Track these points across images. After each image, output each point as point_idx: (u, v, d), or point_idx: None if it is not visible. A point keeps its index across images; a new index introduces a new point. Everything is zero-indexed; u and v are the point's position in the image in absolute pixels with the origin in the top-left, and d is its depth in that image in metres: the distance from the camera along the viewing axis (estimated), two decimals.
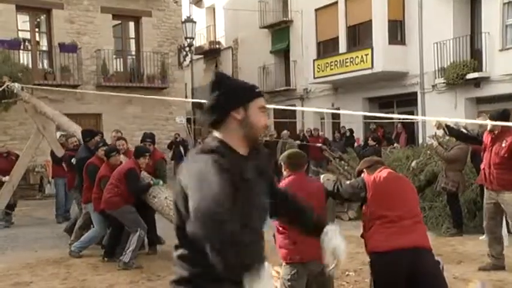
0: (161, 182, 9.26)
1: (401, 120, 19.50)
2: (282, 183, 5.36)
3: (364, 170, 5.55)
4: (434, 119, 9.20)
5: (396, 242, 4.83)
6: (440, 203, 11.68)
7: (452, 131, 8.15)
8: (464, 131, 9.00)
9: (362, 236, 5.37)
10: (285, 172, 5.48)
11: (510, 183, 7.32)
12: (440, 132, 9.98)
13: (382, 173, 5.37)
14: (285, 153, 5.73)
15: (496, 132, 7.44)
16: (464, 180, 10.98)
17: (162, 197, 8.86)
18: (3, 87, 15.25)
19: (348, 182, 5.59)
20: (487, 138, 7.64)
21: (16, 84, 14.99)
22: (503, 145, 7.30)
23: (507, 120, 7.41)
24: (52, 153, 13.39)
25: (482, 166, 7.78)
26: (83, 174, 9.79)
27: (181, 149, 21.62)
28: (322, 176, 6.28)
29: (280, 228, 5.20)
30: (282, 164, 5.55)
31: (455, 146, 10.74)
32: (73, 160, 10.98)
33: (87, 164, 9.60)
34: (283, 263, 5.26)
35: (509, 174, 7.31)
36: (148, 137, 10.28)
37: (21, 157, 12.84)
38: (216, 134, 2.75)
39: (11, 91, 15.86)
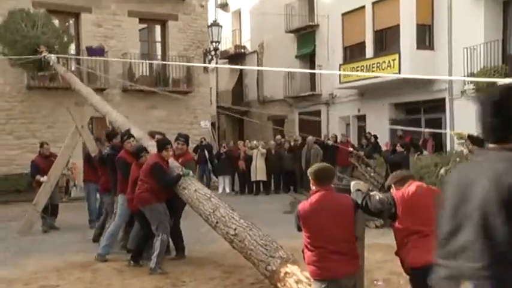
0: (191, 173, 9.35)
1: (430, 131, 19.38)
2: (310, 199, 5.51)
3: (393, 185, 5.61)
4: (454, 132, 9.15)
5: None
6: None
7: (477, 141, 7.61)
8: None
9: (396, 253, 5.40)
10: (312, 186, 5.56)
11: None
12: (464, 150, 9.85)
13: (411, 187, 5.38)
14: (313, 167, 5.75)
15: None
16: None
17: (192, 189, 8.91)
18: (39, 57, 15.27)
19: (377, 198, 5.50)
20: None
21: (52, 56, 14.98)
22: None
23: None
24: (87, 155, 13.28)
25: None
26: (109, 171, 10.38)
27: (206, 152, 21.54)
28: (352, 184, 6.18)
29: (309, 246, 5.32)
30: (310, 178, 5.61)
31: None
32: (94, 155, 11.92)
33: (118, 159, 9.82)
34: (312, 279, 5.40)
35: None
36: (182, 136, 10.36)
37: (58, 157, 12.76)
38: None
39: (47, 62, 15.90)
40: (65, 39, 18.09)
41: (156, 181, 8.88)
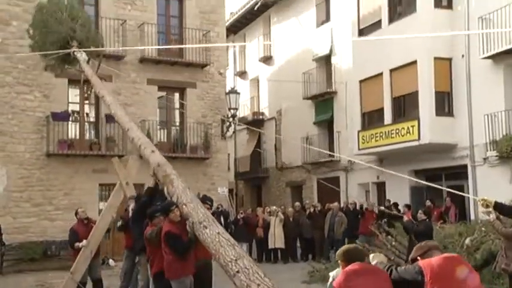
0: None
1: (452, 191, 19.02)
2: (340, 276, 5.47)
3: (418, 258, 5.52)
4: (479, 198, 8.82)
5: None
6: (501, 286, 11.37)
7: (503, 209, 7.62)
8: None
9: None
10: (341, 267, 5.64)
11: None
12: (491, 216, 9.53)
13: (437, 258, 5.38)
14: (342, 248, 5.84)
15: None
16: None
17: (214, 231, 7.85)
18: (67, 52, 14.09)
19: (402, 268, 5.57)
20: None
21: (84, 55, 13.91)
22: None
23: None
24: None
25: None
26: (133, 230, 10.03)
27: (222, 219, 21.35)
28: (371, 257, 6.12)
29: None
30: (339, 260, 5.70)
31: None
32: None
33: (166, 234, 8.95)
34: None
35: None
36: (208, 199, 10.18)
37: (99, 219, 11.78)
38: None
39: (74, 59, 14.60)
40: (100, 46, 16.38)
41: (173, 252, 8.59)
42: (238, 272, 6.71)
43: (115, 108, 12.18)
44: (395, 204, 20.88)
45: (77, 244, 11.37)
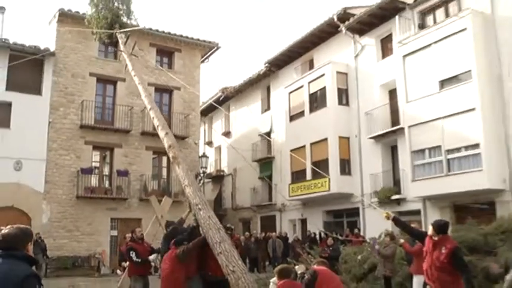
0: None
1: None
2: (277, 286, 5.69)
3: (315, 264, 6.10)
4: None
5: None
6: (379, 285, 11.43)
7: (397, 223, 7.28)
8: (411, 225, 7.93)
9: None
10: (277, 279, 5.80)
11: (449, 284, 6.03)
12: (401, 240, 9.65)
13: (324, 268, 5.89)
14: (278, 268, 5.98)
15: (436, 238, 6.21)
16: (396, 269, 10.85)
17: (206, 214, 7.55)
18: (113, 32, 12.84)
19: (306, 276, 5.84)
20: (429, 243, 6.35)
21: (123, 36, 12.57)
22: (443, 251, 6.05)
23: (446, 229, 6.38)
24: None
25: (425, 267, 6.44)
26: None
27: None
28: (297, 267, 7.05)
29: None
30: (276, 275, 5.85)
31: (389, 245, 10.71)
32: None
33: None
34: None
35: (449, 276, 6.01)
36: (230, 229, 8.73)
37: None
38: None
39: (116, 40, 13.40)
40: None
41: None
42: (220, 253, 6.93)
43: (142, 89, 11.19)
44: (314, 234, 20.97)
45: (123, 264, 9.80)
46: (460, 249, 6.52)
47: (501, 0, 16.09)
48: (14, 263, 3.11)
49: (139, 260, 9.25)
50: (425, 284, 6.98)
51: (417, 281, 9.34)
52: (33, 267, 3.27)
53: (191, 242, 7.26)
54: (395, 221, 7.25)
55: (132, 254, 9.35)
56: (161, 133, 9.82)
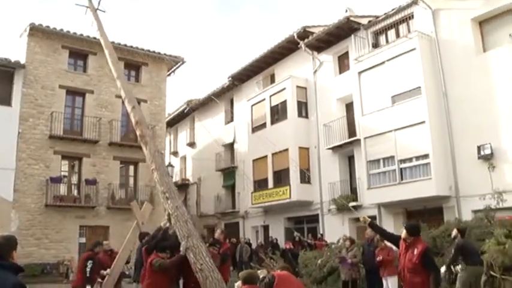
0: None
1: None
2: None
3: (278, 269, 6.09)
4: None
5: None
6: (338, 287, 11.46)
7: (374, 228, 7.34)
8: (387, 230, 7.94)
9: None
10: (241, 284, 5.70)
11: (420, 285, 6.04)
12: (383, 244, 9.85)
13: (284, 272, 5.78)
14: (244, 273, 5.89)
15: (409, 241, 6.28)
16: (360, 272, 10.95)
17: (174, 204, 6.98)
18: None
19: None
20: (402, 245, 6.43)
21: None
22: (415, 253, 6.12)
23: (418, 231, 6.48)
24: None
25: (399, 268, 6.55)
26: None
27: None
28: (259, 271, 6.65)
29: None
30: (241, 279, 5.71)
31: (353, 249, 10.94)
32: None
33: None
34: None
35: (419, 277, 6.04)
36: (218, 243, 8.12)
37: (121, 251, 9.37)
38: None
39: None
40: None
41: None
42: (188, 248, 6.52)
43: (108, 53, 10.35)
44: (276, 239, 21.10)
45: (102, 272, 9.22)
46: (430, 249, 6.64)
47: (443, 25, 16.95)
48: (1, 272, 3.00)
49: (88, 276, 8.78)
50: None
51: (391, 282, 9.77)
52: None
53: (169, 260, 6.71)
54: (372, 226, 7.31)
55: (89, 265, 8.88)
56: (128, 106, 9.11)
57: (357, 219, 18.70)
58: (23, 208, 20.69)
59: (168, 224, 7.29)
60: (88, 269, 8.68)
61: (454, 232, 9.25)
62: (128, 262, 9.45)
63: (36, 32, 22.00)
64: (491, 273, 8.99)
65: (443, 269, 8.85)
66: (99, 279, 8.90)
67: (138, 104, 24.03)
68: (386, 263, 10.04)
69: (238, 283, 6.56)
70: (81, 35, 23.14)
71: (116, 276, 8.98)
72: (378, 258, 10.15)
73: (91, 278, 8.69)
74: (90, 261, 8.78)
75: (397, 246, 6.79)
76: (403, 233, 6.40)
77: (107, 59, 10.84)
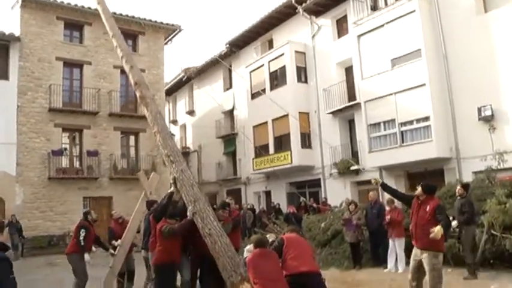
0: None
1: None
2: (251, 255, 5.69)
3: (286, 232, 6.14)
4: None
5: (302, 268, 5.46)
6: (341, 249, 11.89)
7: (386, 188, 7.24)
8: (398, 190, 8.05)
9: None
10: (253, 248, 5.81)
11: (431, 243, 6.02)
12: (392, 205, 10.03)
13: (293, 234, 5.96)
14: (254, 238, 6.05)
15: (422, 198, 6.38)
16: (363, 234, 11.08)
17: (179, 168, 6.77)
18: None
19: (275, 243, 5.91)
20: (414, 204, 6.49)
21: None
22: (427, 209, 6.20)
23: (434, 191, 6.60)
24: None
25: (411, 226, 6.56)
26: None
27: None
28: (268, 235, 6.93)
29: (255, 280, 5.38)
30: (253, 243, 5.84)
31: (357, 212, 11.11)
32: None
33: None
34: None
35: (430, 229, 5.98)
36: (227, 205, 7.71)
37: (130, 221, 9.19)
38: None
39: None
40: None
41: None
42: (195, 213, 6.38)
43: (101, 8, 9.82)
44: (278, 205, 21.19)
45: (113, 242, 9.11)
46: (442, 205, 6.75)
47: None
48: None
49: (82, 244, 8.71)
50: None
51: (399, 243, 9.95)
52: (7, 253, 3.42)
53: (177, 225, 6.67)
54: (384, 186, 7.27)
55: (82, 233, 8.77)
56: (126, 66, 8.55)
57: (359, 183, 19.22)
58: (27, 182, 20.81)
59: (173, 189, 7.18)
60: (81, 238, 8.69)
61: (460, 189, 9.36)
62: (138, 231, 9.42)
63: (29, 3, 21.58)
64: (492, 232, 9.31)
65: (454, 223, 8.97)
66: (111, 251, 8.89)
67: None
68: (395, 224, 10.22)
69: (248, 247, 6.58)
70: (76, 5, 22.78)
71: (127, 247, 8.98)
72: (386, 218, 10.33)
73: (85, 246, 8.72)
74: (82, 230, 8.78)
75: (409, 205, 6.85)
76: (418, 190, 6.50)
77: (101, 16, 10.03)
